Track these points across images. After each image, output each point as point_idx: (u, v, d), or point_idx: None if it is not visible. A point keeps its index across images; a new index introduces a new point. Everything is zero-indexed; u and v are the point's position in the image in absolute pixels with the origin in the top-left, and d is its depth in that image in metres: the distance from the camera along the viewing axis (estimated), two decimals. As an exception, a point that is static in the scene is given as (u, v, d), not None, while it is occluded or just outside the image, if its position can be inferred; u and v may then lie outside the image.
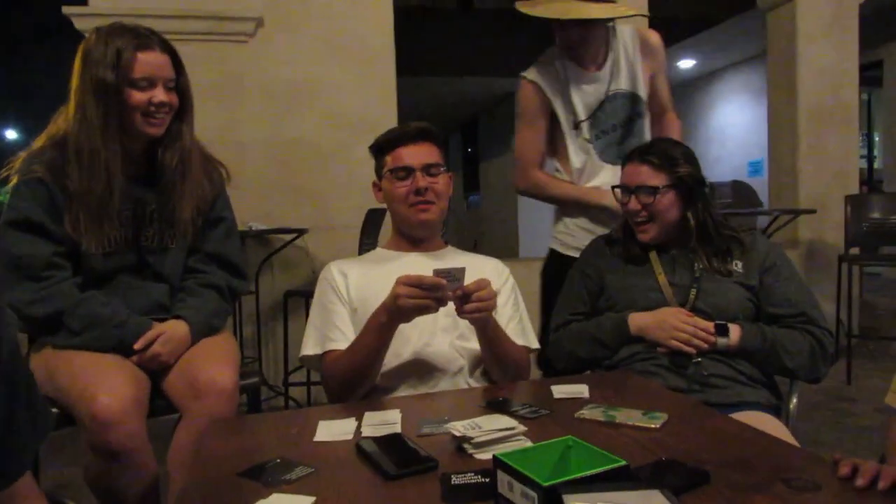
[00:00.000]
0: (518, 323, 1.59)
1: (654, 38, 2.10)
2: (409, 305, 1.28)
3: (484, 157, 12.04)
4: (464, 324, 1.49)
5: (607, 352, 1.61)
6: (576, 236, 2.06)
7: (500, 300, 1.58)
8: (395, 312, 1.32)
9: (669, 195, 1.60)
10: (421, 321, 1.40)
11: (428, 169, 1.55)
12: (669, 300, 1.58)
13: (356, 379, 1.42)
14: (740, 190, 6.33)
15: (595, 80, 2.01)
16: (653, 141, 1.71)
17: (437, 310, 1.31)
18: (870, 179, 7.81)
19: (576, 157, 2.02)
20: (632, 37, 2.05)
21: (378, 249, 1.69)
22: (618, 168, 1.95)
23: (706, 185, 1.63)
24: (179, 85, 1.57)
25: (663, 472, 0.90)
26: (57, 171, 1.48)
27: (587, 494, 0.74)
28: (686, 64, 8.64)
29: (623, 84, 2.02)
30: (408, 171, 1.55)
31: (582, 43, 1.97)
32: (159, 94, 1.50)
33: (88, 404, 1.32)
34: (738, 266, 1.59)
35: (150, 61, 1.49)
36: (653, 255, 1.65)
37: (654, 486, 0.76)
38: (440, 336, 1.49)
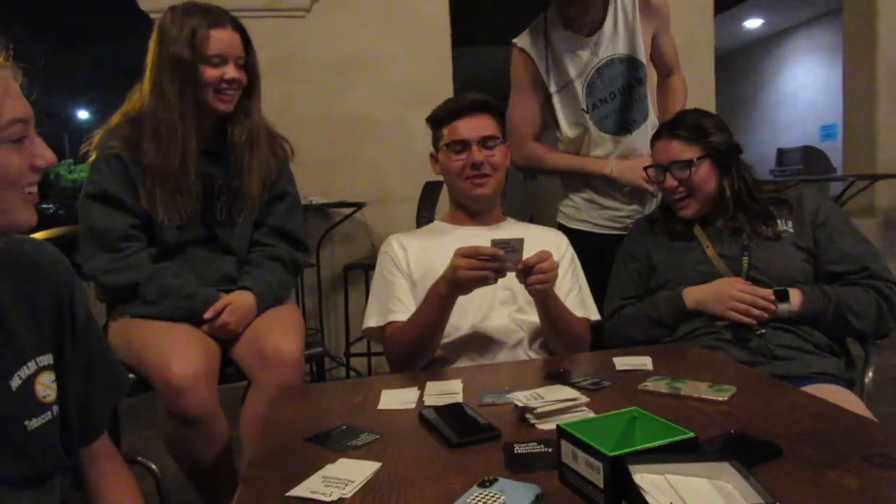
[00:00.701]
0: (577, 294, 1.57)
1: None
2: (467, 277, 1.28)
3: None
4: (522, 297, 1.48)
5: (665, 331, 1.57)
6: (580, 209, 2.00)
7: (559, 271, 1.56)
8: (454, 284, 1.32)
9: (705, 166, 1.55)
10: (479, 294, 1.40)
11: (484, 142, 1.54)
12: (723, 272, 1.52)
13: (417, 350, 1.43)
14: (812, 155, 6.02)
15: (589, 46, 1.89)
16: (679, 114, 1.65)
17: (495, 281, 1.31)
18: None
19: (571, 129, 1.94)
20: None
21: (436, 222, 1.70)
22: (621, 139, 1.91)
23: (740, 151, 1.58)
24: (248, 62, 1.61)
25: (733, 446, 0.87)
26: (133, 147, 1.55)
27: (654, 465, 0.74)
28: (753, 24, 8.21)
29: (621, 48, 1.90)
30: (464, 145, 1.54)
31: (584, 13, 1.86)
32: (230, 71, 1.55)
33: (163, 371, 1.39)
34: (788, 226, 1.53)
35: (222, 39, 1.53)
36: (697, 230, 1.60)
37: (724, 459, 0.74)
38: (498, 309, 1.49)
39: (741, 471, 0.71)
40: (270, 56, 3.33)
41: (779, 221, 1.54)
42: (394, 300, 1.51)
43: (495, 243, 1.27)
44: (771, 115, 8.82)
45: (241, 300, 1.60)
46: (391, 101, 3.51)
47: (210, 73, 1.53)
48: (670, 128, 1.60)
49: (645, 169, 1.67)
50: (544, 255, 1.32)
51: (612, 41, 1.90)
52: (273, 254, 1.73)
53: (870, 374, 1.50)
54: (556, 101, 1.94)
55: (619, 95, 1.92)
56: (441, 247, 1.55)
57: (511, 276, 1.45)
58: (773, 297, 1.44)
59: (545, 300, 1.39)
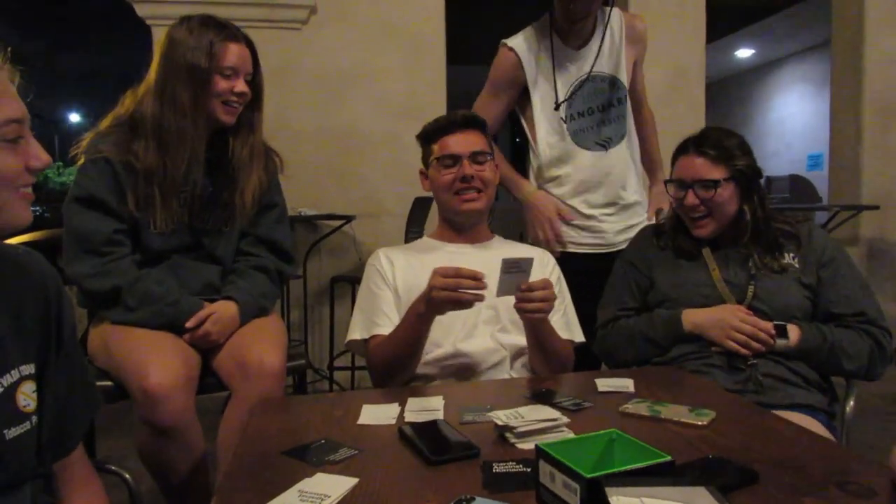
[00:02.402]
0: (563, 315, 1.57)
1: (641, 25, 2.02)
2: (441, 297, 1.26)
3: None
4: (506, 316, 1.49)
5: (658, 350, 1.56)
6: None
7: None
8: (430, 304, 1.30)
9: (729, 188, 1.52)
10: (462, 313, 1.39)
11: (475, 157, 1.55)
12: (726, 298, 1.52)
13: (396, 365, 1.43)
14: (798, 184, 6.10)
15: (577, 59, 1.94)
16: (706, 131, 1.61)
17: (471, 306, 1.28)
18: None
19: (549, 137, 1.96)
20: (619, 21, 1.98)
21: (425, 238, 1.70)
22: (596, 154, 1.94)
23: (762, 176, 1.57)
24: (255, 78, 1.64)
25: (710, 470, 0.88)
26: (123, 151, 1.55)
27: (631, 488, 0.73)
28: (744, 53, 8.35)
29: (605, 67, 1.94)
30: (455, 159, 1.55)
31: (586, 16, 1.88)
32: (240, 85, 1.58)
33: (141, 380, 1.37)
34: (794, 261, 1.52)
35: (237, 52, 1.57)
36: (706, 252, 1.59)
37: (701, 484, 0.74)
38: (481, 328, 1.49)
39: (716, 496, 0.71)
40: (266, 67, 3.33)
41: (786, 254, 1.53)
42: (379, 313, 1.51)
43: (506, 263, 1.25)
44: (760, 143, 8.93)
45: (224, 310, 1.59)
46: (384, 115, 3.53)
47: (222, 84, 1.56)
48: (697, 144, 1.55)
49: (665, 183, 1.64)
50: (547, 283, 1.32)
51: (598, 58, 1.93)
52: (259, 264, 1.72)
53: (851, 403, 1.52)
54: (536, 103, 1.96)
55: (598, 112, 1.95)
56: (428, 262, 1.55)
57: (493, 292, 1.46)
58: (773, 332, 1.44)
59: (538, 326, 1.39)
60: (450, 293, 1.25)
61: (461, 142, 1.56)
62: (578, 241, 1.98)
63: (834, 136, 4.51)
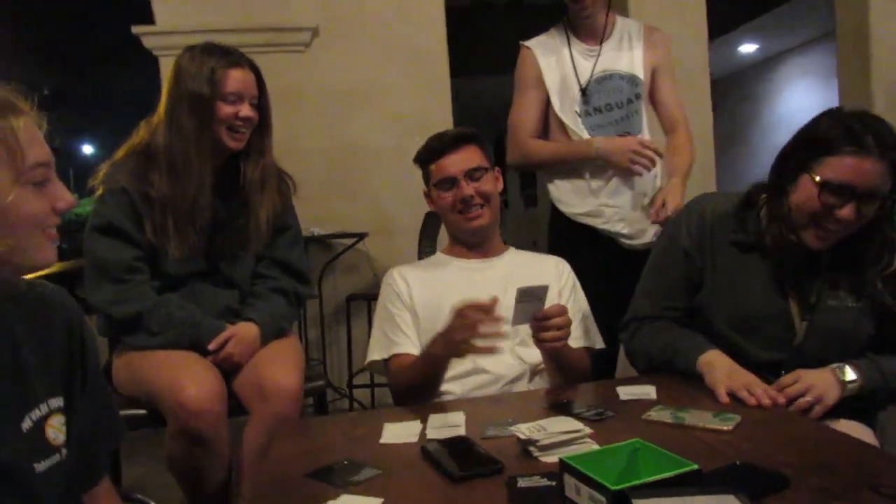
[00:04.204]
0: (581, 322, 1.56)
1: (660, 34, 2.05)
2: (460, 348, 1.26)
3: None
4: (524, 329, 1.48)
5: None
6: (565, 202, 2.00)
7: (560, 301, 1.56)
8: (448, 346, 1.30)
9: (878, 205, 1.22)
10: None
11: (471, 174, 1.55)
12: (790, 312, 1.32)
13: (417, 392, 1.43)
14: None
15: (592, 55, 1.97)
16: (879, 123, 1.23)
17: (491, 352, 1.28)
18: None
19: (563, 133, 1.96)
20: (637, 27, 2.02)
21: (438, 254, 1.70)
22: None
23: None
24: (261, 102, 1.66)
25: (738, 476, 0.86)
26: (139, 180, 1.58)
27: (658, 500, 0.72)
28: (748, 48, 8.31)
29: (622, 66, 1.96)
30: (452, 182, 1.55)
31: (589, 7, 1.90)
32: (245, 109, 1.60)
33: (177, 395, 1.41)
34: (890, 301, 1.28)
35: (239, 78, 1.59)
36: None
37: (729, 491, 0.73)
38: (500, 341, 1.48)
39: (746, 503, 0.70)
40: (272, 90, 3.36)
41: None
42: (397, 332, 1.51)
43: (521, 292, 1.25)
44: (766, 138, 8.86)
45: (245, 332, 1.61)
46: (392, 131, 3.55)
47: (226, 109, 1.58)
48: (880, 143, 1.18)
49: (822, 185, 1.21)
50: (562, 310, 1.31)
51: (614, 56, 1.97)
52: (276, 286, 1.74)
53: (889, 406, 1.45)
54: (553, 99, 1.97)
55: (617, 108, 1.96)
56: (442, 278, 1.56)
57: (512, 308, 1.46)
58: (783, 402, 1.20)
59: (557, 351, 1.37)
60: (467, 347, 1.25)
61: (455, 162, 1.55)
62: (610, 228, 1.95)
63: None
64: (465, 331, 1.25)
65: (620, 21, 2.02)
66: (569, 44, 1.97)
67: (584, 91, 1.94)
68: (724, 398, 1.21)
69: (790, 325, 1.33)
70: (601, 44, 1.97)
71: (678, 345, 1.39)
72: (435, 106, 3.59)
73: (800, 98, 8.45)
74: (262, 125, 1.67)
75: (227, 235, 1.67)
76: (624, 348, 1.57)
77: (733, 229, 1.38)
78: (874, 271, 1.27)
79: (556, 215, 2.06)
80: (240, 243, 1.69)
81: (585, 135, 1.93)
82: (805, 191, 1.24)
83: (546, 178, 2.08)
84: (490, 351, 1.27)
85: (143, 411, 1.54)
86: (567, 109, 1.96)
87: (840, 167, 1.19)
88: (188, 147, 1.56)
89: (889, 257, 1.26)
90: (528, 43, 2.02)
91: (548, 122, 2.01)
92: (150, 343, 1.55)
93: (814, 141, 1.25)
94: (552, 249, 1.96)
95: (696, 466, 0.78)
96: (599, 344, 1.58)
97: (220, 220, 1.66)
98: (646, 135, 1.99)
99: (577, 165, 1.96)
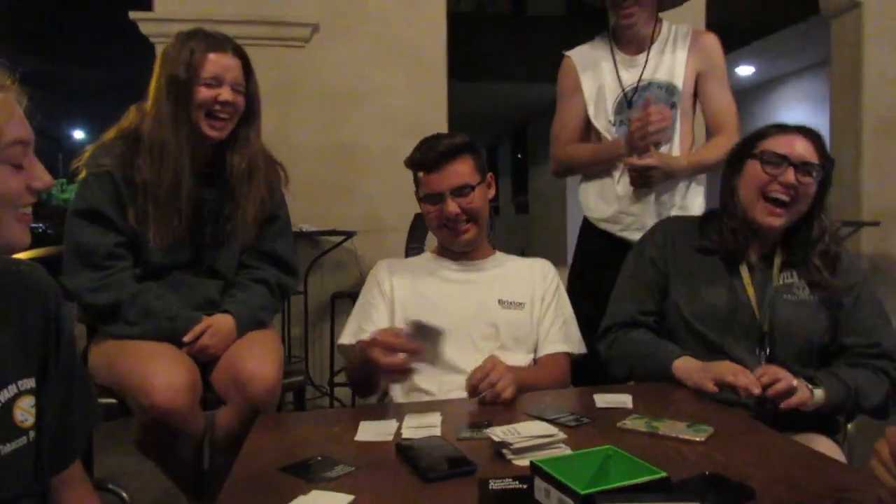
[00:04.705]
0: (561, 327, 1.57)
1: (709, 38, 1.99)
2: (379, 364, 1.26)
3: (533, 163, 11.99)
4: (506, 334, 1.50)
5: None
6: (591, 207, 2.01)
7: (543, 305, 1.57)
8: (362, 355, 1.33)
9: (816, 184, 1.41)
10: (460, 328, 1.45)
11: (458, 192, 1.50)
12: (750, 301, 1.43)
13: (358, 383, 1.48)
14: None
15: (632, 65, 1.95)
16: (803, 125, 1.47)
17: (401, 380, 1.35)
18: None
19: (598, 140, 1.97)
20: (683, 32, 1.97)
21: (427, 254, 1.70)
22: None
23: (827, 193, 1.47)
24: (248, 90, 1.62)
25: (706, 486, 0.87)
26: (125, 165, 1.55)
27: (626, 505, 0.73)
28: (745, 71, 8.40)
29: (661, 74, 1.94)
30: (438, 197, 1.51)
31: (635, 13, 1.88)
32: (225, 93, 1.55)
33: (146, 388, 1.40)
34: (833, 280, 1.43)
35: (219, 62, 1.55)
36: (743, 268, 1.47)
37: (696, 500, 0.74)
38: (481, 344, 1.49)
39: (711, 512, 0.71)
40: (268, 84, 3.35)
41: (823, 275, 1.43)
42: (368, 322, 1.52)
43: (415, 325, 1.25)
44: (761, 159, 8.96)
45: (221, 323, 1.59)
46: (386, 131, 3.56)
47: (204, 93, 1.54)
48: (802, 129, 1.43)
49: (762, 156, 1.42)
50: (488, 367, 1.29)
51: (655, 65, 1.94)
52: (259, 276, 1.73)
53: (854, 420, 1.50)
54: (590, 107, 1.98)
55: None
56: (426, 282, 1.57)
57: (493, 308, 1.49)
58: (755, 393, 1.27)
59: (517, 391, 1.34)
60: (389, 365, 1.26)
61: (442, 179, 1.49)
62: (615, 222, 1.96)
63: (834, 152, 4.47)
64: (377, 353, 1.25)
65: (666, 26, 1.98)
66: (612, 53, 1.96)
67: (628, 102, 1.93)
68: (712, 387, 1.29)
69: (752, 316, 1.44)
70: (647, 51, 1.94)
71: (653, 352, 1.47)
72: (431, 109, 3.61)
73: (796, 121, 8.53)
74: (248, 114, 1.63)
75: (213, 226, 1.66)
76: (603, 357, 1.58)
77: (695, 237, 1.53)
78: (813, 252, 1.44)
79: (585, 225, 2.07)
80: (226, 234, 1.67)
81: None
82: (749, 171, 1.44)
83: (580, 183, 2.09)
84: (399, 378, 1.33)
85: (116, 401, 1.51)
86: (601, 119, 1.97)
87: (774, 143, 1.42)
88: (166, 133, 1.53)
89: (823, 240, 1.44)
90: (569, 52, 2.03)
91: (590, 124, 2.01)
92: (127, 333, 1.53)
93: (749, 139, 1.48)
94: (578, 258, 2.05)
95: (664, 474, 0.79)
96: (580, 349, 1.58)
97: (206, 210, 1.64)
98: (676, 148, 1.96)
99: (607, 168, 1.97)
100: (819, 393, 1.32)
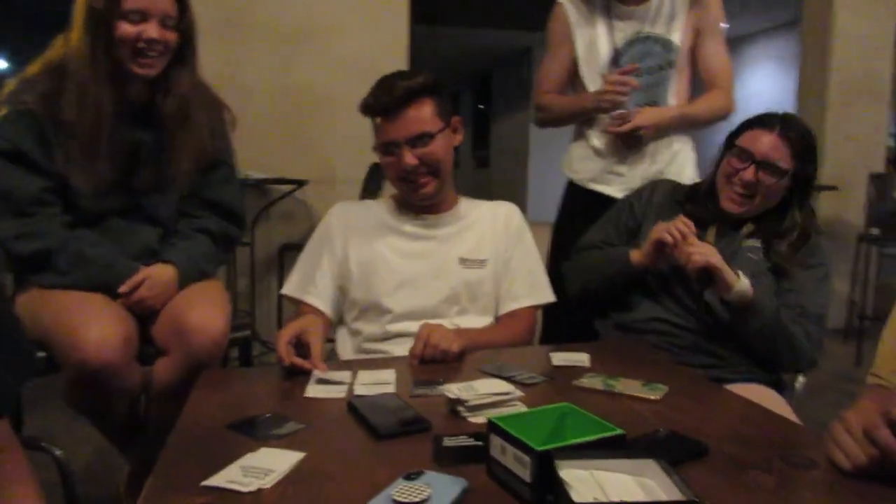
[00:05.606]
0: (526, 278, 1.53)
1: None
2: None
3: (495, 115, 11.81)
4: (465, 295, 1.48)
5: (613, 287, 1.56)
6: (574, 168, 2.00)
7: (506, 256, 1.53)
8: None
9: (785, 183, 1.47)
10: (422, 290, 1.44)
11: (415, 141, 1.39)
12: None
13: None
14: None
15: (631, 17, 1.89)
16: (792, 117, 1.51)
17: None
18: (896, 159, 7.60)
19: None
20: None
21: (387, 202, 1.57)
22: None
23: (812, 188, 1.54)
24: (182, 25, 1.47)
25: (660, 443, 0.88)
26: (50, 102, 1.42)
27: (581, 461, 0.73)
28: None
29: (660, 28, 1.89)
30: (395, 145, 1.40)
31: None
32: (150, 30, 1.41)
33: (77, 350, 1.29)
34: (787, 268, 1.48)
35: None
36: (710, 231, 1.53)
37: (650, 456, 0.74)
38: (441, 308, 1.46)
39: (665, 468, 0.72)
40: (213, 18, 3.18)
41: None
42: (314, 280, 1.48)
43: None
44: (726, 119, 9.08)
45: (160, 274, 1.50)
46: (341, 76, 3.42)
47: (125, 28, 1.40)
48: (784, 126, 1.46)
49: (730, 150, 1.51)
50: (423, 335, 1.26)
51: (653, 19, 1.89)
52: (201, 225, 1.63)
53: (800, 378, 1.54)
54: (581, 59, 1.93)
55: (647, 74, 1.89)
56: (385, 244, 1.49)
57: (453, 269, 1.47)
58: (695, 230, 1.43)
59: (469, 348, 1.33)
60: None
61: (399, 127, 1.37)
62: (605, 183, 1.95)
63: (799, 114, 4.53)
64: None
65: None
66: (605, 3, 1.89)
67: (616, 53, 1.88)
68: (655, 236, 1.44)
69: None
70: (642, 3, 1.87)
71: (606, 256, 1.59)
72: (390, 52, 3.48)
73: (761, 81, 8.62)
74: (182, 52, 1.49)
75: (150, 170, 1.54)
76: (565, 275, 1.66)
77: (679, 199, 1.61)
78: (780, 242, 1.50)
79: (569, 188, 2.04)
80: (166, 180, 1.56)
81: None
82: (726, 158, 1.53)
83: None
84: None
85: (44, 354, 1.39)
86: (591, 71, 1.92)
87: (745, 138, 1.49)
88: (84, 70, 1.40)
89: (792, 235, 1.50)
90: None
91: (578, 77, 1.96)
92: (57, 282, 1.43)
93: (739, 127, 1.54)
94: (561, 222, 2.04)
95: (621, 432, 0.79)
96: (547, 298, 1.55)
97: (142, 154, 1.53)
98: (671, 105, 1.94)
99: (585, 126, 1.95)
100: (745, 281, 1.39)
